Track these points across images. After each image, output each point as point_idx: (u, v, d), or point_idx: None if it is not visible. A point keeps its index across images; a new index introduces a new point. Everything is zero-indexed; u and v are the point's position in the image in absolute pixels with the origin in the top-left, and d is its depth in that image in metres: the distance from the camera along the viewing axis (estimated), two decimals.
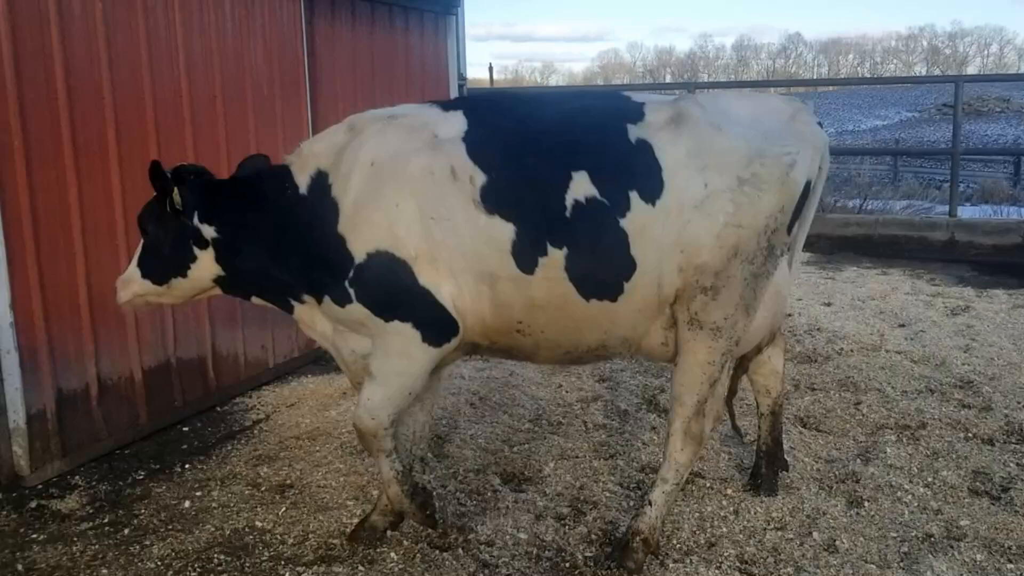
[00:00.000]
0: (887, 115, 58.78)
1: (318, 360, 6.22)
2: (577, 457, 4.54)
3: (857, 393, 5.44)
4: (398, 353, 3.41)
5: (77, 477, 4.43)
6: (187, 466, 4.54)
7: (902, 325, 6.98)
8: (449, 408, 5.22)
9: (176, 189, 3.43)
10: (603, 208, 3.23)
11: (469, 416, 5.11)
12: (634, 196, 3.23)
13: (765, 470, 4.12)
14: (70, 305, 4.41)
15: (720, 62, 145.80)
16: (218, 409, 5.34)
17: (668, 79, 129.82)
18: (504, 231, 3.23)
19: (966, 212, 13.80)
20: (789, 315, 7.29)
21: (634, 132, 3.30)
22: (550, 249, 3.24)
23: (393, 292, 3.33)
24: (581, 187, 3.24)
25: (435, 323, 3.36)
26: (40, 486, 4.30)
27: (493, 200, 3.25)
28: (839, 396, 5.38)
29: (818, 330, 6.87)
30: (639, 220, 3.23)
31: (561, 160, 3.29)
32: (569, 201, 3.24)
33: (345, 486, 4.25)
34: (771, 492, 4.07)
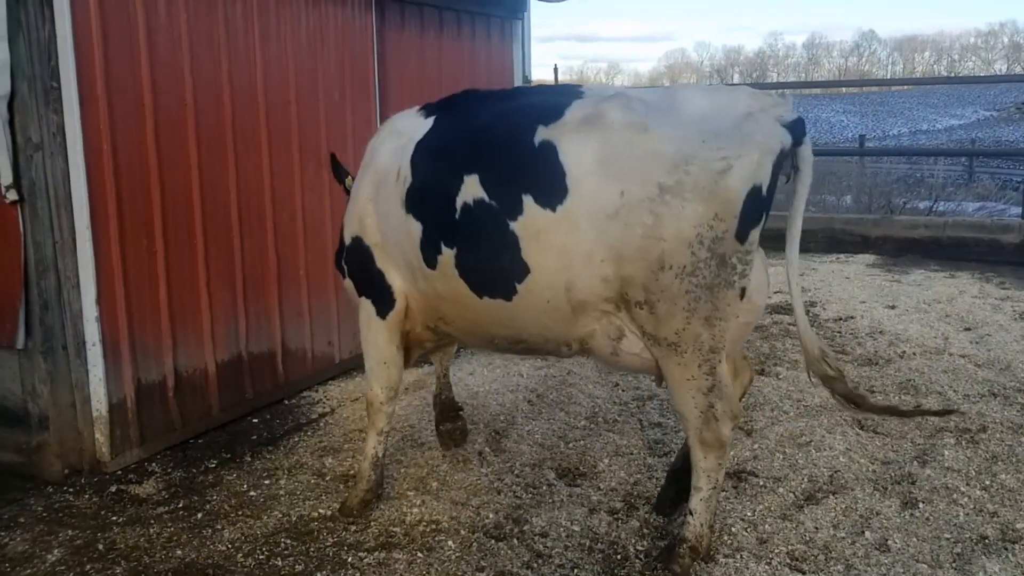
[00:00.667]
0: (964, 114, 57.05)
1: None
2: (631, 454, 4.62)
3: (917, 396, 5.40)
4: (365, 324, 4.07)
5: (154, 464, 4.68)
6: (256, 456, 4.76)
7: (968, 329, 6.88)
8: (507, 405, 5.35)
9: (348, 176, 4.30)
10: (491, 211, 3.35)
11: (526, 412, 5.24)
12: (528, 200, 3.26)
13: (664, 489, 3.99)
14: (151, 301, 4.66)
15: (790, 60, 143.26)
16: (286, 402, 5.56)
17: (736, 78, 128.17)
18: (415, 229, 3.63)
19: None
20: (852, 317, 7.25)
21: (542, 134, 3.28)
22: (443, 248, 3.54)
23: (363, 271, 4.00)
24: (470, 190, 3.40)
25: (383, 299, 3.95)
26: (119, 472, 4.55)
27: (410, 200, 3.66)
28: (899, 399, 5.35)
29: (880, 333, 6.80)
30: (534, 225, 3.26)
31: (460, 163, 3.46)
32: (459, 203, 3.43)
33: (405, 477, 4.41)
34: (661, 513, 3.97)
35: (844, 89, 68.40)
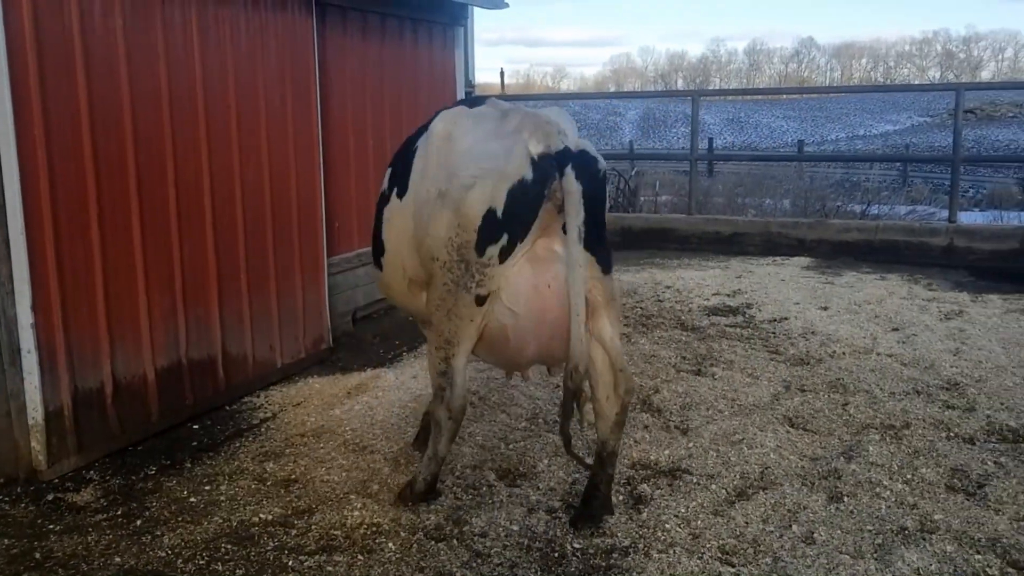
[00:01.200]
0: (899, 120, 58.68)
1: (323, 361, 6.44)
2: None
3: (846, 394, 5.60)
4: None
5: (92, 472, 4.64)
6: (196, 462, 4.75)
7: (895, 329, 7.13)
8: None
9: None
10: (382, 198, 4.20)
11: (468, 415, 5.27)
12: (394, 192, 4.07)
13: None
14: (88, 307, 4.63)
15: (732, 66, 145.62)
16: (227, 408, 5.55)
17: (680, 84, 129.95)
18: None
19: (969, 218, 13.96)
20: (785, 319, 7.46)
21: (418, 140, 4.02)
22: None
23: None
24: (384, 181, 4.26)
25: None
26: (56, 480, 4.51)
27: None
28: (828, 397, 5.54)
29: (813, 333, 7.02)
30: (390, 211, 4.08)
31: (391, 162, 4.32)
32: (380, 190, 4.28)
33: (347, 481, 4.44)
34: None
35: (784, 95, 69.83)
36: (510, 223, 3.55)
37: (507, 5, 8.50)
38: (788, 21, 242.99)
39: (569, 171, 3.50)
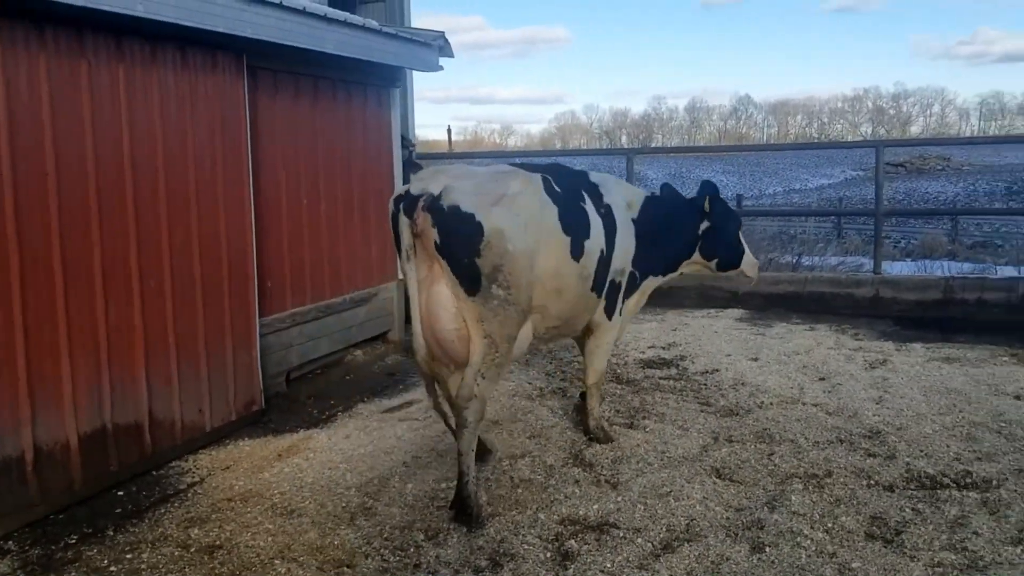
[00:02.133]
0: (833, 173, 60.61)
1: (255, 423, 6.38)
2: (500, 513, 4.73)
3: (772, 444, 5.71)
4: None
5: (10, 542, 4.51)
6: (119, 530, 4.65)
7: (822, 379, 7.32)
8: (381, 467, 5.39)
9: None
10: None
11: (401, 474, 5.29)
12: None
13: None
14: (8, 372, 4.54)
15: (674, 123, 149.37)
16: (154, 473, 5.45)
17: (624, 140, 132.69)
18: None
19: (896, 268, 14.41)
20: (717, 370, 7.60)
21: None
22: None
23: None
24: None
25: None
26: None
27: None
28: (755, 447, 5.65)
29: (743, 384, 7.16)
30: None
31: None
32: None
33: (272, 546, 4.39)
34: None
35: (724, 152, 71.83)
36: (398, 247, 4.64)
37: (441, 68, 8.67)
38: (726, 79, 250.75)
39: (401, 208, 4.51)
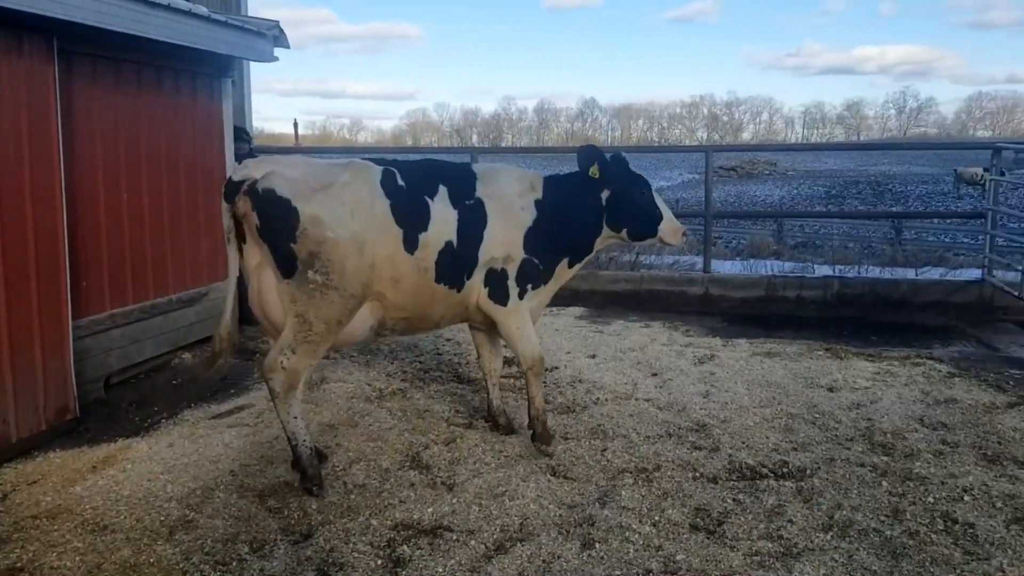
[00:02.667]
0: (672, 176, 63.16)
1: (70, 432, 5.94)
2: (331, 521, 4.59)
3: (605, 440, 5.83)
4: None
5: None
6: None
7: (654, 374, 7.55)
8: (205, 477, 5.12)
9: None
10: None
11: (227, 484, 5.05)
12: None
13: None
14: None
15: (523, 123, 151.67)
16: None
17: (475, 139, 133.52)
18: None
19: (725, 267, 15.14)
20: (556, 368, 7.71)
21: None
22: None
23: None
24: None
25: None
26: None
27: None
28: (589, 444, 5.75)
29: (580, 381, 7.29)
30: None
31: None
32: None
33: (80, 566, 4.08)
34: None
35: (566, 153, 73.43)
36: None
37: (276, 58, 8.36)
38: (573, 83, 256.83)
39: (223, 194, 4.79)
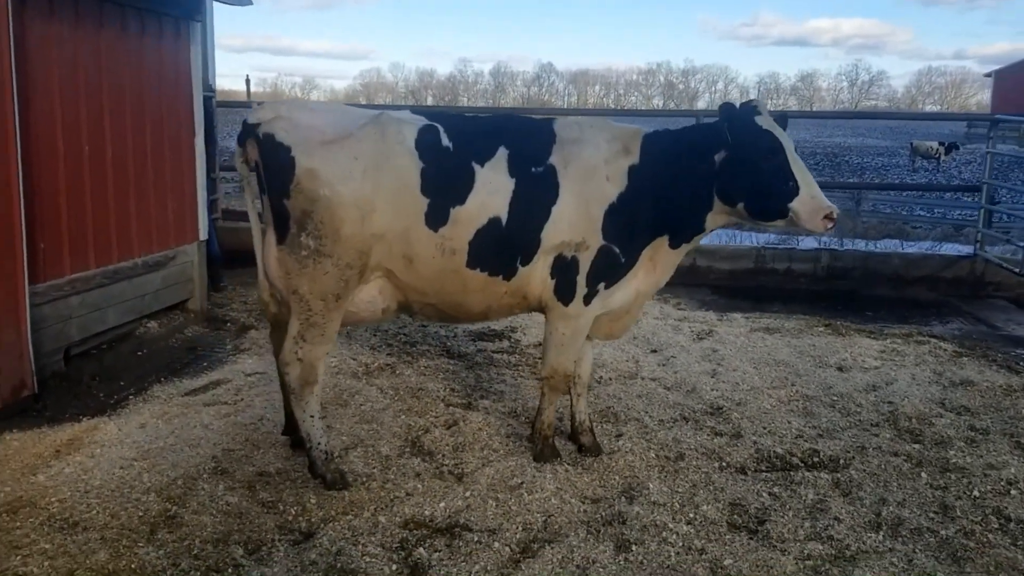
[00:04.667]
0: None
1: (26, 411, 5.34)
2: (333, 517, 4.10)
3: (617, 424, 5.42)
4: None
5: None
6: None
7: (654, 351, 7.16)
8: (187, 465, 4.58)
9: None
10: None
11: (211, 473, 4.52)
12: None
13: None
14: None
15: (479, 87, 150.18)
16: None
17: (430, 101, 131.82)
18: None
19: (708, 238, 14.80)
20: None
21: None
22: None
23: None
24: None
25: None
26: None
27: None
28: (601, 428, 5.32)
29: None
30: None
31: None
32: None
33: (50, 572, 3.55)
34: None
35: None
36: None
37: (251, 3, 7.70)
38: (530, 46, 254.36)
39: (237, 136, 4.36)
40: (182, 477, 4.44)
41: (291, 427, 4.90)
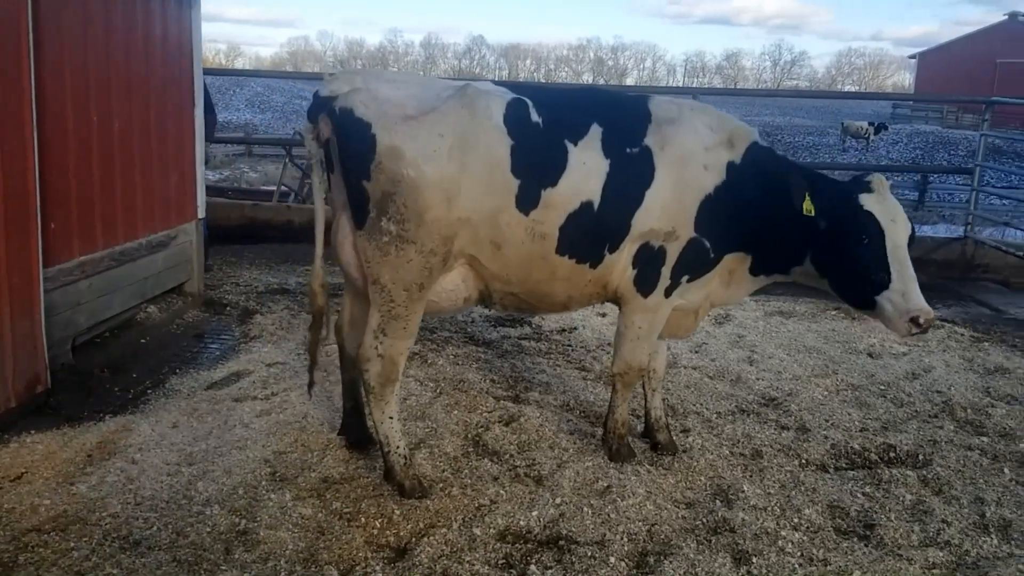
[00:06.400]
0: None
1: (41, 409, 4.82)
2: (423, 530, 3.75)
3: (678, 418, 5.19)
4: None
5: None
6: None
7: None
8: (239, 472, 4.16)
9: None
10: None
11: (269, 479, 4.12)
12: None
13: None
14: None
15: (409, 58, 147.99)
16: None
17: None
18: None
19: None
20: (574, 329, 7.01)
21: None
22: None
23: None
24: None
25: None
26: None
27: None
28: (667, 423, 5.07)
29: (609, 344, 6.59)
30: None
31: None
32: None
33: None
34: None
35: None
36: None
37: None
38: (461, 18, 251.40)
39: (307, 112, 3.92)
40: (241, 485, 4.03)
41: (348, 427, 4.54)
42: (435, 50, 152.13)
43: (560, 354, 6.37)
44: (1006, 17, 66.98)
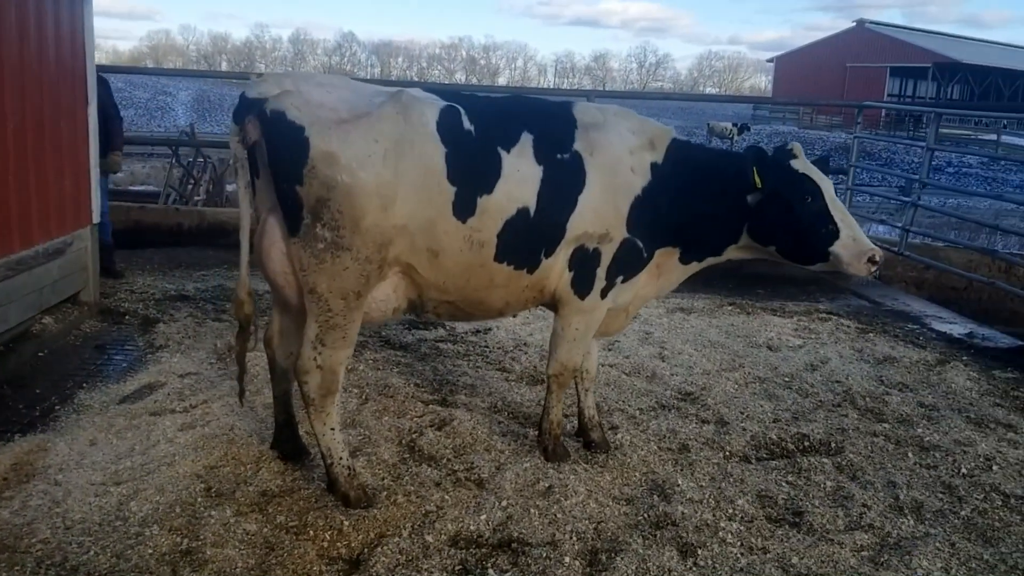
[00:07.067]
0: None
1: None
2: (374, 540, 3.71)
3: (604, 415, 5.30)
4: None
5: None
6: None
7: None
8: (172, 489, 4.00)
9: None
10: None
11: (204, 496, 3.97)
12: None
13: None
14: None
15: (277, 54, 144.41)
16: None
17: (224, 66, 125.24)
18: None
19: None
20: (489, 329, 7.05)
21: None
22: None
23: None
24: None
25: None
26: None
27: None
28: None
29: (525, 345, 6.70)
30: None
31: None
32: None
33: None
34: None
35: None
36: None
37: None
38: (331, 14, 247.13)
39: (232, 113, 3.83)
40: (177, 503, 3.88)
41: (280, 439, 4.44)
42: (304, 46, 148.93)
43: (479, 355, 6.40)
44: (855, 24, 71.38)
